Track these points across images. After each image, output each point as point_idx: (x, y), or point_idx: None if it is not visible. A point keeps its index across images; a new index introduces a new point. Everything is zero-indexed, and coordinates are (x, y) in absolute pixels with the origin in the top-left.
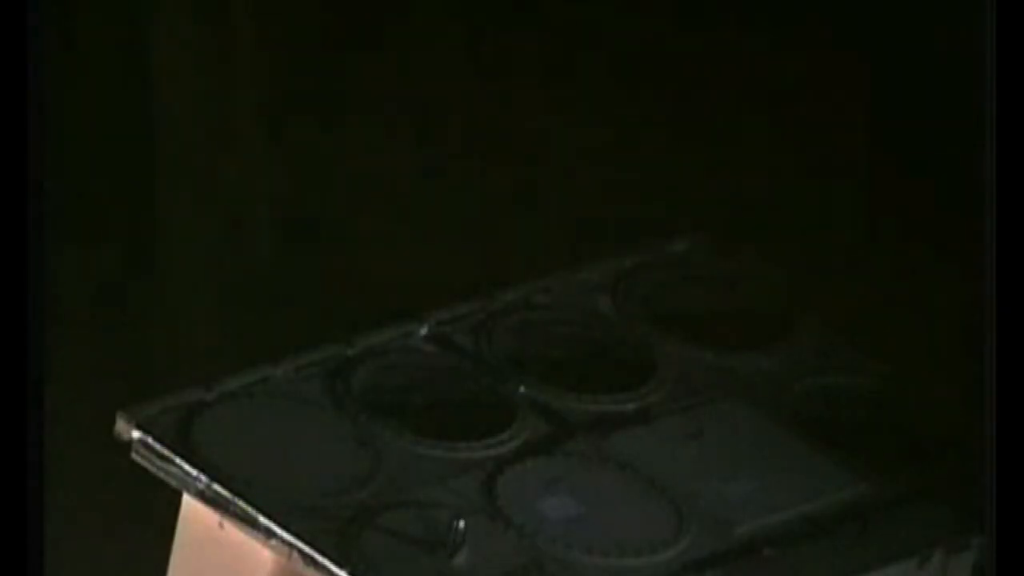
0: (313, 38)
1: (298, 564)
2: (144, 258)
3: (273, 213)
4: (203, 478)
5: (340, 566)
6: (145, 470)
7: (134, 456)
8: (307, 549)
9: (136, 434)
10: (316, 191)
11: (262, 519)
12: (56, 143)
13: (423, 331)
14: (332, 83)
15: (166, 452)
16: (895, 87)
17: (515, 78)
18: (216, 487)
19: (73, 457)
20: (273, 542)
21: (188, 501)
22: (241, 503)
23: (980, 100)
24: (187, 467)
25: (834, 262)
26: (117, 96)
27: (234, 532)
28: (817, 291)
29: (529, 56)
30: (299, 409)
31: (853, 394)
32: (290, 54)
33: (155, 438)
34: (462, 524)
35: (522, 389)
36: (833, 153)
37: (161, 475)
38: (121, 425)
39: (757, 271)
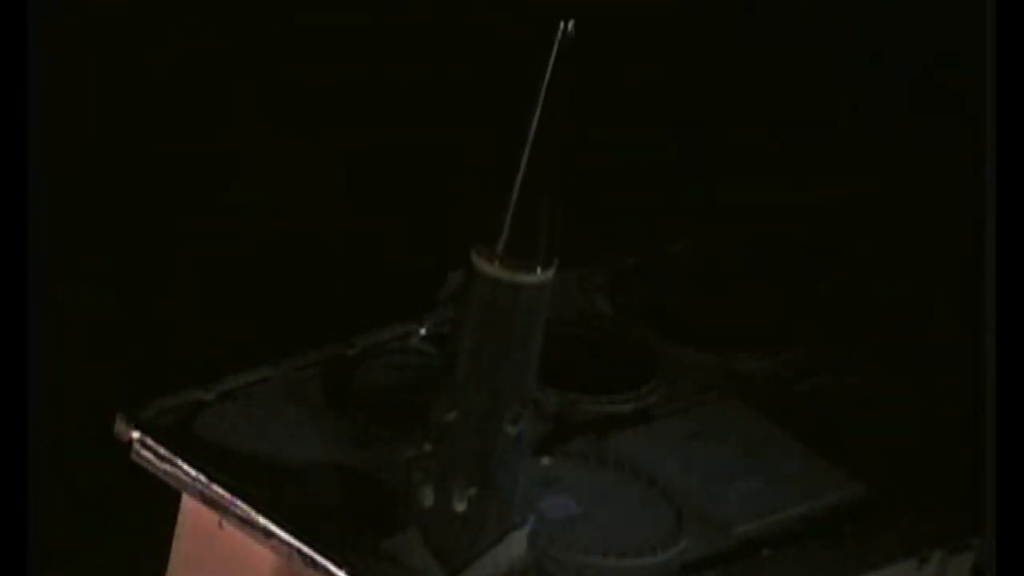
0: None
1: (298, 564)
2: (144, 259)
3: (273, 212)
4: (203, 478)
5: (340, 566)
6: (145, 470)
7: (134, 456)
8: (307, 549)
9: (136, 434)
10: (316, 191)
11: (262, 519)
12: (56, 144)
13: (423, 331)
14: (329, 83)
15: (166, 452)
16: (894, 84)
17: (516, 78)
18: (216, 487)
19: (73, 457)
20: (273, 542)
21: (188, 501)
22: (241, 503)
23: (980, 98)
24: (187, 467)
25: (834, 262)
26: (117, 95)
27: (234, 532)
28: (817, 291)
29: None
30: (299, 409)
31: (852, 394)
32: (289, 52)
33: (155, 438)
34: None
35: None
36: (832, 152)
37: (161, 475)
38: (121, 425)
39: (757, 271)
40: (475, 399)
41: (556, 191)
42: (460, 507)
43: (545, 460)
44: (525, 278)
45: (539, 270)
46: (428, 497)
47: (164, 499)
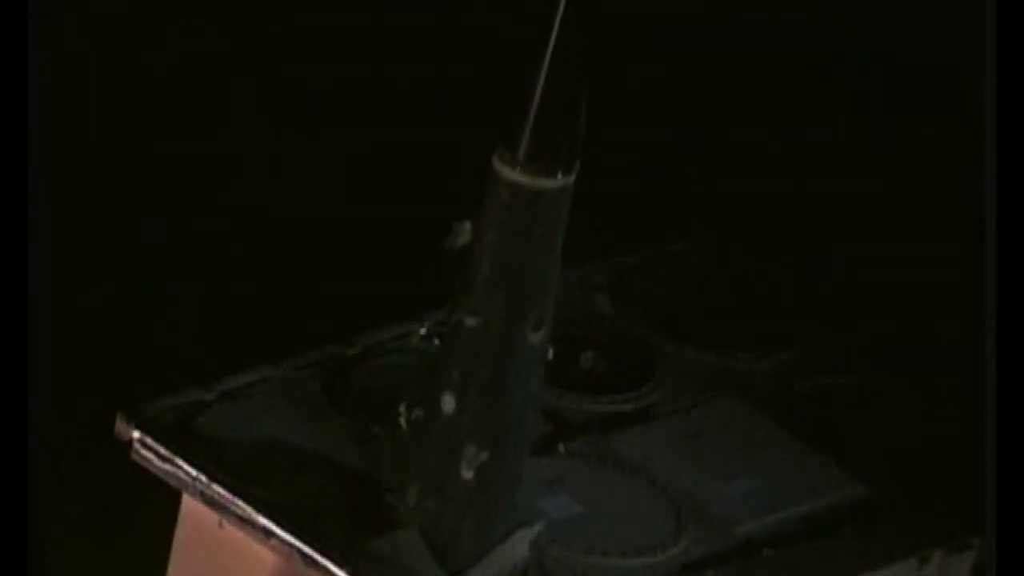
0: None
1: (298, 564)
2: (144, 259)
3: (274, 212)
4: (203, 478)
5: (340, 566)
6: (145, 470)
7: (134, 456)
8: (307, 549)
9: (136, 434)
10: (316, 191)
11: (262, 519)
12: (56, 144)
13: (423, 331)
14: (329, 83)
15: (166, 452)
16: (894, 84)
17: (516, 78)
18: (216, 487)
19: (73, 457)
20: (273, 542)
21: (188, 501)
22: (241, 503)
23: (980, 98)
24: (187, 467)
25: (834, 262)
26: (117, 95)
27: (234, 532)
28: (817, 291)
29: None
30: (299, 409)
31: (853, 394)
32: (289, 52)
33: (155, 438)
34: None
35: None
36: (832, 152)
37: (161, 475)
38: (121, 425)
39: (757, 271)
40: (495, 305)
41: (577, 95)
42: (468, 475)
43: (560, 447)
44: (546, 183)
45: (560, 175)
46: (448, 404)
47: (164, 499)
